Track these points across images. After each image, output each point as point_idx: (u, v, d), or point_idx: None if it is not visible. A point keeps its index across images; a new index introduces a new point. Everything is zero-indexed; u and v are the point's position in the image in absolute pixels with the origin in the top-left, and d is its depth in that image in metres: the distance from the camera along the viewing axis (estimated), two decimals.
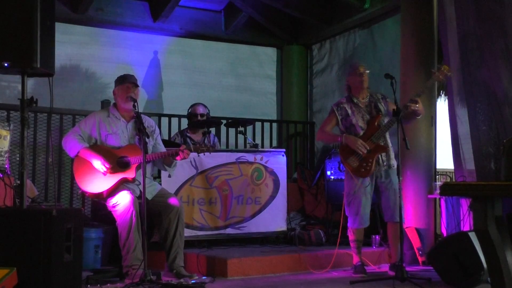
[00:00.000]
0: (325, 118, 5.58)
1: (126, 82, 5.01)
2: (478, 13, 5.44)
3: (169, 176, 5.31)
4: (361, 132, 5.20)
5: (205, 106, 6.73)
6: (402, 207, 5.08)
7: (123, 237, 4.74)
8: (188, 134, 6.63)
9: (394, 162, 5.23)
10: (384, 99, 5.35)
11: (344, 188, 5.33)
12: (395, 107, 4.97)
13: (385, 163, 5.17)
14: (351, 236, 5.28)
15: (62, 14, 7.06)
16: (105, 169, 4.82)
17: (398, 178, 4.93)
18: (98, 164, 4.83)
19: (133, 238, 4.70)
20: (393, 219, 5.14)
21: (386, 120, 5.21)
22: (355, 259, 5.29)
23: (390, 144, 5.24)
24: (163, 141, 5.47)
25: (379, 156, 5.15)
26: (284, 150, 6.42)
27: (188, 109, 6.76)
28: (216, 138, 6.93)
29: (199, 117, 6.59)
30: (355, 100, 5.30)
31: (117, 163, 4.88)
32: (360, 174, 5.13)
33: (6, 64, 3.70)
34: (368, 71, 5.32)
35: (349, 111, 5.27)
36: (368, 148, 5.08)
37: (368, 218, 5.22)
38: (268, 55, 9.03)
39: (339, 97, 8.16)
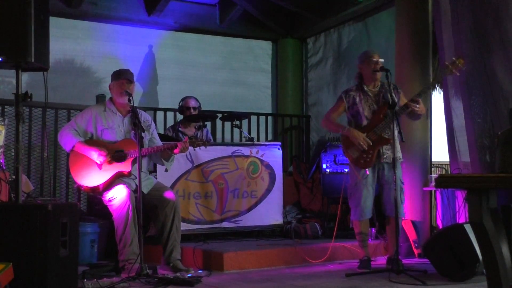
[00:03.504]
0: (333, 105, 5.41)
1: (121, 78, 5.01)
2: (473, 5, 5.44)
3: (166, 170, 5.29)
4: (365, 122, 5.12)
5: (197, 100, 6.66)
6: (402, 201, 5.08)
7: (120, 232, 4.74)
8: (180, 129, 6.54)
9: (399, 155, 5.12)
10: (396, 90, 5.19)
11: (339, 180, 5.30)
12: (406, 101, 4.97)
13: (385, 156, 5.06)
14: (355, 228, 5.23)
15: (56, 8, 7.04)
16: (101, 160, 4.81)
17: (395, 171, 4.89)
18: (95, 156, 4.82)
19: (129, 232, 4.71)
20: (393, 214, 5.03)
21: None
22: (361, 253, 5.24)
23: (396, 137, 5.02)
24: (159, 135, 5.46)
25: (381, 148, 5.06)
26: (279, 143, 6.42)
27: (180, 102, 6.65)
28: (209, 133, 6.90)
29: (191, 110, 6.50)
30: (365, 89, 5.16)
31: (113, 157, 4.87)
32: (360, 165, 5.08)
33: (0, 59, 3.69)
34: (382, 60, 5.15)
35: (357, 99, 5.15)
36: (370, 143, 5.00)
37: (369, 210, 5.15)
38: (263, 48, 9.03)
39: (334, 90, 8.22)
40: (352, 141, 5.06)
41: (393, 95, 5.06)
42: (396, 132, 4.94)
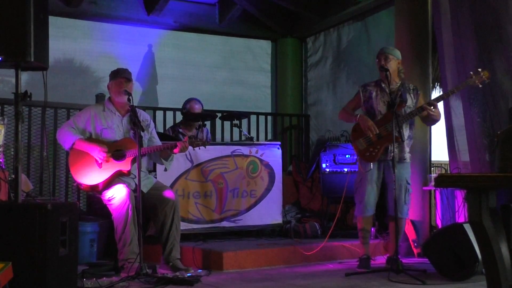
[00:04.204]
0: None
1: (118, 77, 5.00)
2: (472, 5, 5.44)
3: (165, 170, 5.29)
4: (379, 117, 5.12)
5: (201, 103, 6.54)
6: (406, 202, 5.09)
7: (119, 231, 4.74)
8: (180, 130, 6.47)
9: (406, 156, 5.13)
10: (416, 91, 5.22)
11: (338, 180, 5.30)
12: (423, 103, 5.01)
13: (391, 153, 4.98)
14: (358, 224, 5.23)
15: (55, 7, 7.04)
16: (101, 157, 4.80)
17: (394, 170, 4.89)
18: (95, 153, 4.81)
19: (129, 231, 4.70)
20: (395, 213, 5.03)
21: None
22: (361, 251, 5.24)
23: (405, 137, 5.08)
24: (159, 134, 5.45)
25: (390, 145, 5.02)
26: (279, 143, 6.42)
27: (184, 104, 6.52)
28: (209, 133, 6.87)
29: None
30: (383, 85, 5.16)
31: (112, 156, 4.87)
32: (365, 158, 5.08)
33: None
34: (391, 57, 5.13)
35: (373, 94, 5.17)
36: (378, 132, 5.01)
37: (372, 207, 5.15)
38: (262, 48, 9.02)
39: (334, 89, 8.24)
40: (362, 127, 5.08)
41: (411, 95, 5.14)
42: (395, 132, 4.93)
